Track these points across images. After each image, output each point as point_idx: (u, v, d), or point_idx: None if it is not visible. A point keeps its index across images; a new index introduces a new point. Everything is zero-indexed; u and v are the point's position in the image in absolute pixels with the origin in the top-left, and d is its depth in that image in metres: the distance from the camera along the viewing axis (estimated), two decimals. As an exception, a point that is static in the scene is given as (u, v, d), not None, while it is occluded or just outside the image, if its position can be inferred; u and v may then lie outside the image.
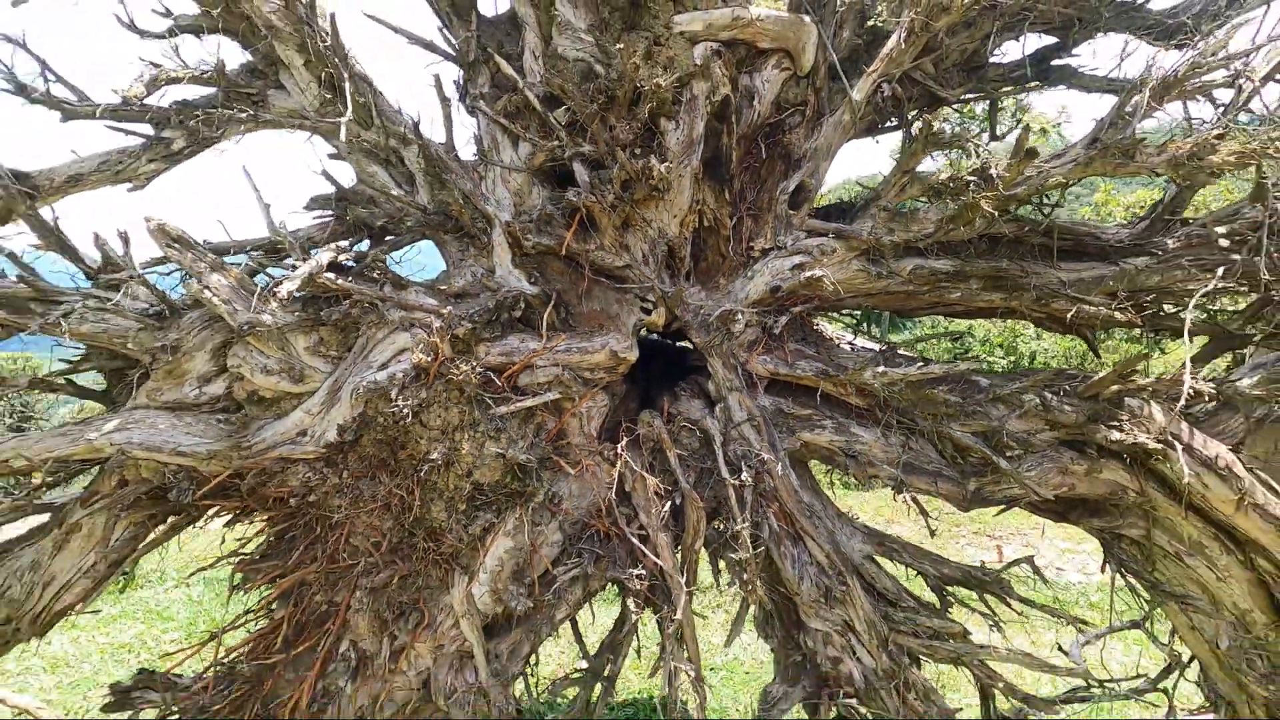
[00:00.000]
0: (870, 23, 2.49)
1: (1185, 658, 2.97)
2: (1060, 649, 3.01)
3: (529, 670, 2.63)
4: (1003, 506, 2.74)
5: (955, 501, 2.70)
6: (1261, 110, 2.42)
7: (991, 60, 2.69)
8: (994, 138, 2.87)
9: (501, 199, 2.44)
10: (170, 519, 2.43)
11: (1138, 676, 3.00)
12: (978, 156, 2.29)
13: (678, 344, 3.17)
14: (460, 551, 2.42)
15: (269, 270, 2.44)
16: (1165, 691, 2.95)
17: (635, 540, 2.46)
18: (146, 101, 2.37)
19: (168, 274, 2.41)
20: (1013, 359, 12.73)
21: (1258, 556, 2.57)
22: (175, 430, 2.25)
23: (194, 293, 2.13)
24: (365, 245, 2.55)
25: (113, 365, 2.47)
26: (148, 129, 2.42)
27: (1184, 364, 2.41)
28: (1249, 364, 2.99)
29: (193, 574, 2.67)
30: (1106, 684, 2.93)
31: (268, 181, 2.49)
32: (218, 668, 2.44)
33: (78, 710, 3.59)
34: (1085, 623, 2.80)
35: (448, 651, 2.48)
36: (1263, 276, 2.51)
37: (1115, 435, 2.51)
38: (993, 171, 2.23)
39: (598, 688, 2.62)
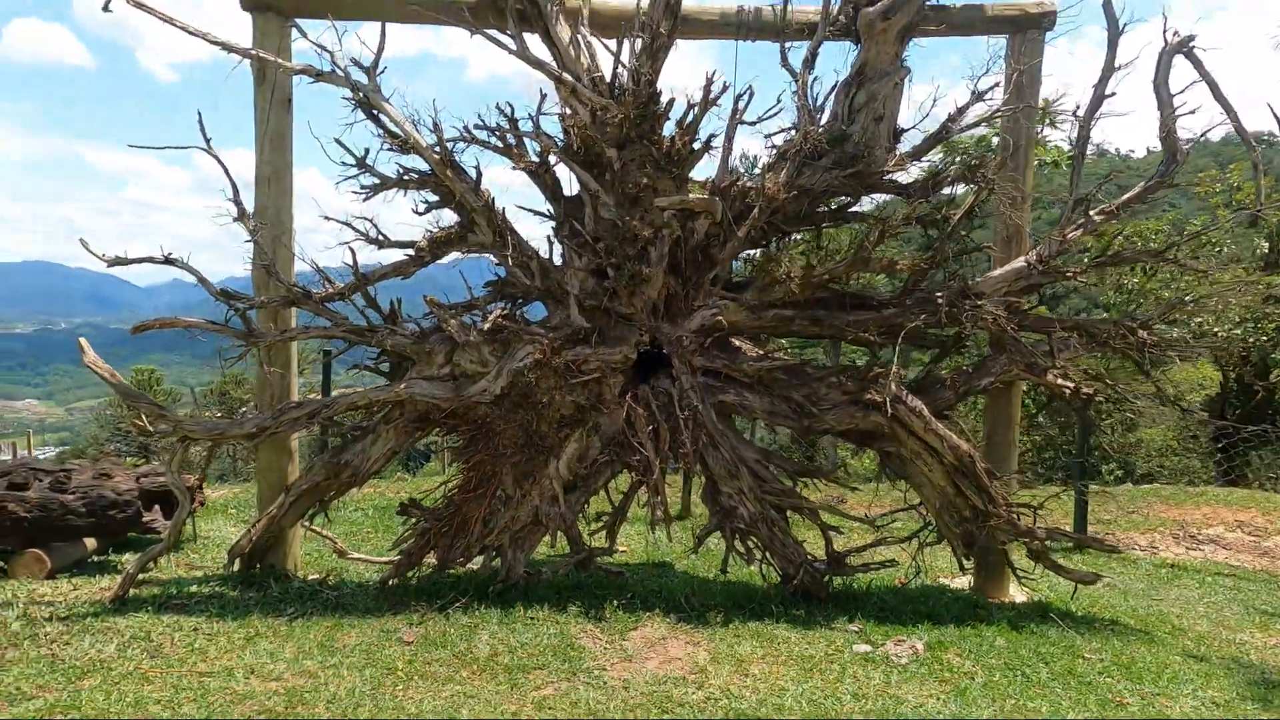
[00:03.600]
0: (747, 199, 5.20)
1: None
2: (866, 516, 5.63)
3: (585, 509, 5.39)
4: (823, 434, 5.42)
5: (798, 432, 5.37)
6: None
7: (816, 210, 5.39)
8: (818, 249, 5.54)
9: (574, 283, 5.22)
10: (421, 431, 5.26)
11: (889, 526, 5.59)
12: (786, 264, 4.98)
13: (661, 351, 5.90)
14: (554, 447, 5.19)
15: (468, 316, 5.25)
16: (919, 538, 5.54)
17: (636, 444, 5.19)
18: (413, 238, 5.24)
19: (423, 317, 5.24)
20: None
21: (943, 455, 5.17)
22: (431, 387, 5.08)
23: (444, 326, 4.96)
24: (509, 305, 5.36)
25: (395, 360, 5.32)
26: (411, 251, 5.28)
27: (893, 363, 5.03)
28: (975, 365, 5.61)
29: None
30: (888, 536, 5.54)
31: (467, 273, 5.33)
32: (442, 500, 5.25)
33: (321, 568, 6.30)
34: (853, 488, 5.43)
35: (547, 496, 5.24)
36: (944, 321, 5.14)
37: (869, 396, 5.16)
38: (792, 273, 4.93)
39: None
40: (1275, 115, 5.15)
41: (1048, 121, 8.04)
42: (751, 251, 5.55)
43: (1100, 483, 12.85)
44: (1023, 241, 5.69)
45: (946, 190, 5.47)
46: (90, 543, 5.59)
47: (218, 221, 5.21)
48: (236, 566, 5.46)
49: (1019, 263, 5.42)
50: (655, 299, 5.26)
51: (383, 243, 5.16)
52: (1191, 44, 5.21)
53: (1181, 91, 5.20)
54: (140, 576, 5.10)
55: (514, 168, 5.06)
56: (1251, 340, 11.07)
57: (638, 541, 7.27)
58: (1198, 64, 5.19)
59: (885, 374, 5.12)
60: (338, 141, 5.01)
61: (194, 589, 5.22)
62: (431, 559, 5.36)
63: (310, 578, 5.67)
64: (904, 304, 5.31)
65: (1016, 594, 5.88)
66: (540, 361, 5.03)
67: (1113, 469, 14.67)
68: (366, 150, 5.06)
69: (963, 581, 6.22)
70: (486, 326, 4.97)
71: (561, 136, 5.10)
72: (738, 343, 5.60)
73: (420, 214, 5.21)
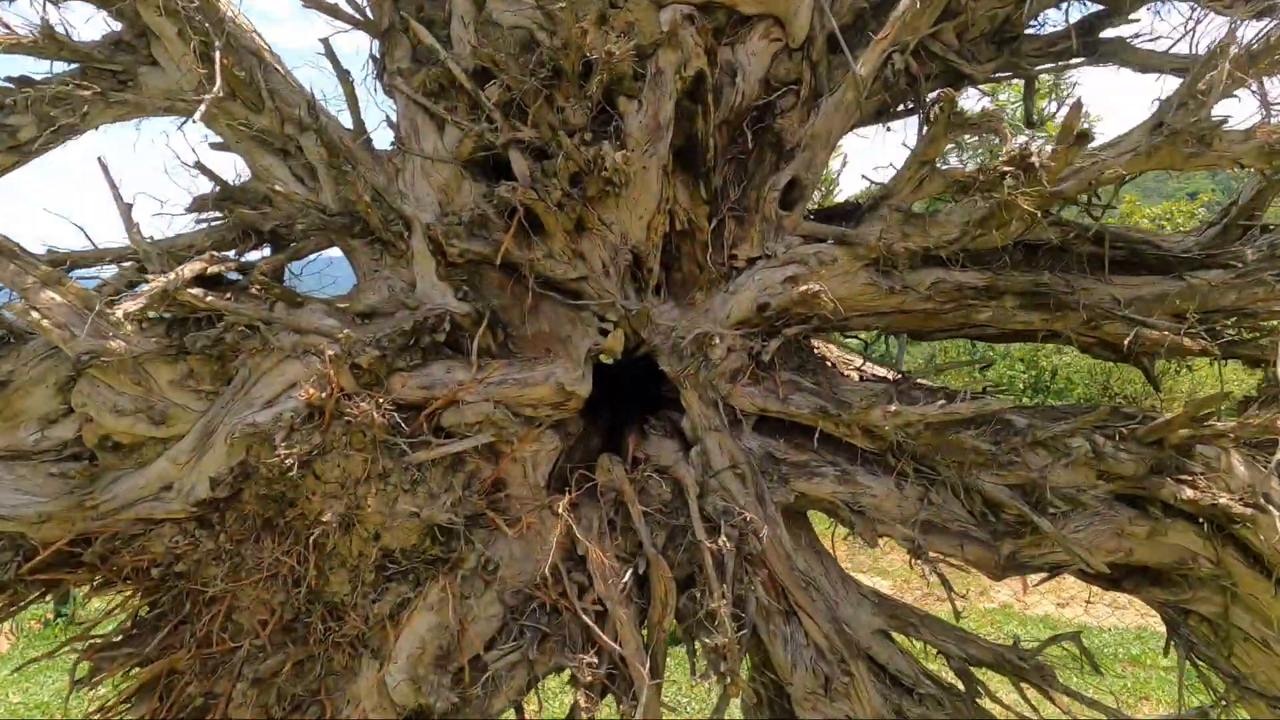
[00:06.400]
0: (878, -20, 2.03)
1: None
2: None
3: (460, 775, 2.14)
4: (1056, 572, 2.25)
5: (986, 569, 2.20)
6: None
7: (1028, 31, 2.23)
8: (1029, 124, 2.38)
9: (423, 196, 1.99)
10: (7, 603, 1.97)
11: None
12: (1014, 141, 1.80)
13: (656, 366, 2.69)
14: (368, 632, 1.95)
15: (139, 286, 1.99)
16: (1243, 797, 2.42)
17: (580, 618, 1.98)
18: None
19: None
20: (1034, 373, 12.00)
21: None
22: (9, 478, 1.80)
23: (18, 313, 1.68)
24: (260, 255, 2.10)
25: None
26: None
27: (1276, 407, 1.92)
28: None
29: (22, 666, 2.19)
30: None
31: (148, 178, 2.05)
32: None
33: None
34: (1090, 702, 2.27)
35: (355, 755, 2.00)
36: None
37: (1188, 493, 2.02)
38: (1035, 160, 1.75)
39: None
40: None
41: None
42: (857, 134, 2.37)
43: None
44: None
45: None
46: None
47: None
48: None
49: None
50: (641, 240, 2.05)
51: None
52: None
53: None
54: None
55: None
56: None
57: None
58: None
59: (1234, 434, 1.99)
60: None
61: None
62: None
63: None
64: (1242, 260, 2.17)
65: None
66: (323, 407, 1.80)
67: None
68: None
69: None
70: (140, 306, 1.69)
71: None
72: (826, 354, 2.42)
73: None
